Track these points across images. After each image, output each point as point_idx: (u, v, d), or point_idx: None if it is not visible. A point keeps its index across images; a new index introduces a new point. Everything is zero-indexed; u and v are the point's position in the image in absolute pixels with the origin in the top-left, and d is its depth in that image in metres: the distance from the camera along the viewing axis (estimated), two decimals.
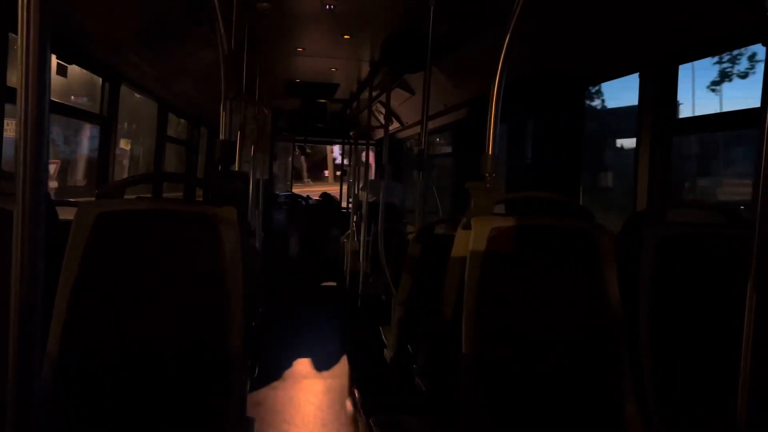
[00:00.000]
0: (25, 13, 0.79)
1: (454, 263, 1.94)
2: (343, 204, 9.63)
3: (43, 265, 0.79)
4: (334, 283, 7.17)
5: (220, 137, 2.04)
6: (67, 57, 3.13)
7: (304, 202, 9.58)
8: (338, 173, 13.82)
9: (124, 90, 3.91)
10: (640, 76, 2.84)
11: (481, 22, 3.42)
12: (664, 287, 1.85)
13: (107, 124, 3.70)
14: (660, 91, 2.73)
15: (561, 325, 1.84)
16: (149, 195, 4.18)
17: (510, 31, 1.83)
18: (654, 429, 1.74)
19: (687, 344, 1.81)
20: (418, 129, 6.74)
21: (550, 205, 2.12)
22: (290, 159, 11.30)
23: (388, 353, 3.20)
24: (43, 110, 0.81)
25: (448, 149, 6.97)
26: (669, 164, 2.77)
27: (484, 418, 1.69)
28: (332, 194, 9.98)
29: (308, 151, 12.29)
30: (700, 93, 3.65)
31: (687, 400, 1.77)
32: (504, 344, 1.78)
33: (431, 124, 4.09)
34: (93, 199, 1.89)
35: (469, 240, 1.84)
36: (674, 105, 2.76)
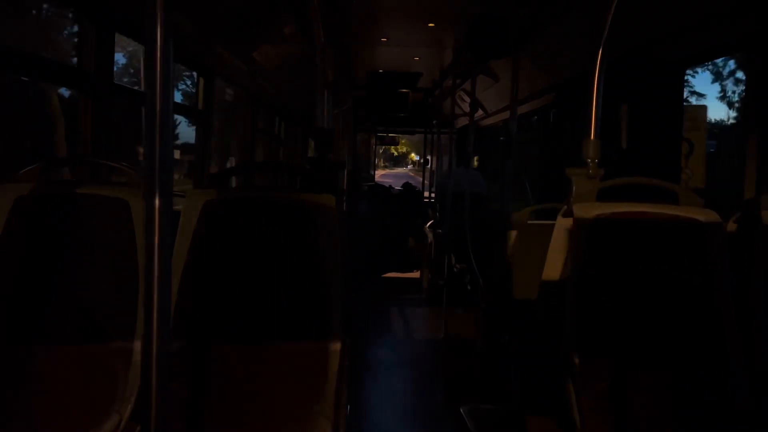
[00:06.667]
0: (152, 19, 0.84)
1: (554, 252, 1.89)
2: (425, 193, 9.62)
3: (171, 251, 0.85)
4: (418, 272, 7.19)
5: (316, 126, 2.08)
6: None
7: (386, 192, 9.64)
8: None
9: None
10: (747, 54, 2.65)
11: (567, 3, 3.30)
12: None
13: (204, 117, 3.87)
14: None
15: (669, 318, 1.75)
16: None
17: (614, 5, 1.76)
18: None
19: None
20: (500, 117, 6.61)
21: (647, 192, 2.03)
22: (372, 149, 11.42)
23: (479, 342, 3.17)
24: (168, 108, 0.86)
25: (531, 136, 6.79)
26: None
27: (588, 414, 1.65)
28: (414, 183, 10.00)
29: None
30: None
31: None
32: (609, 338, 1.72)
33: (517, 110, 4.01)
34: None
35: (571, 228, 1.79)
36: None
